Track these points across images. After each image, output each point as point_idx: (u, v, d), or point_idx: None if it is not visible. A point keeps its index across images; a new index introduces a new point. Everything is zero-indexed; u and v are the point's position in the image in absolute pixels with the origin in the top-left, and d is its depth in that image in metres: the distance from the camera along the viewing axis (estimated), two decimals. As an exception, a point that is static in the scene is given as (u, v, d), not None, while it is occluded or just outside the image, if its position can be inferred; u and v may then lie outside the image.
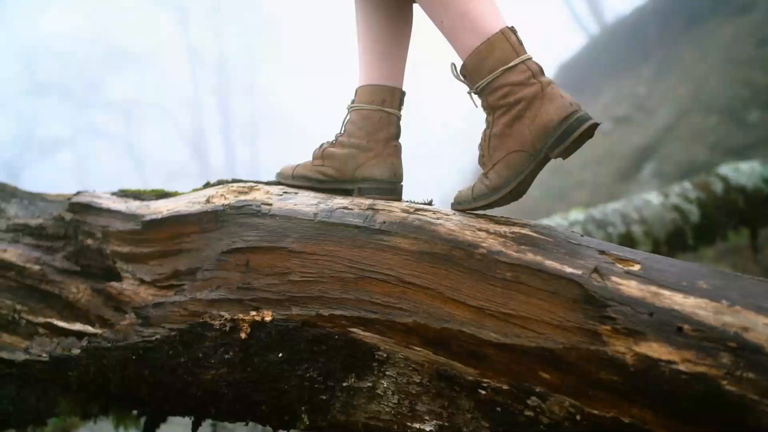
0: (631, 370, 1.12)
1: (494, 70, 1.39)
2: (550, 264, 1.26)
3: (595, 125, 1.36)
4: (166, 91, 26.36)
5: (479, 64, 1.40)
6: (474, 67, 1.41)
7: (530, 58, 1.40)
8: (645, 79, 11.32)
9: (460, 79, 1.47)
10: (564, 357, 1.18)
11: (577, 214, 3.60)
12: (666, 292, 1.16)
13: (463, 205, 1.49)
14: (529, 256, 1.28)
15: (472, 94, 1.47)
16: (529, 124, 1.36)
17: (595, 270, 1.23)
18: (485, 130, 1.45)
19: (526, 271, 1.26)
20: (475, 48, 1.39)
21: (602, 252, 1.28)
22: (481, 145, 1.47)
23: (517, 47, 1.39)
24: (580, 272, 1.23)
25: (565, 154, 1.38)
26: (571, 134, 1.33)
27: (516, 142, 1.38)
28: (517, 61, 1.38)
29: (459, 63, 1.47)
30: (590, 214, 3.58)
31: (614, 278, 1.21)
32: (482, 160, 1.47)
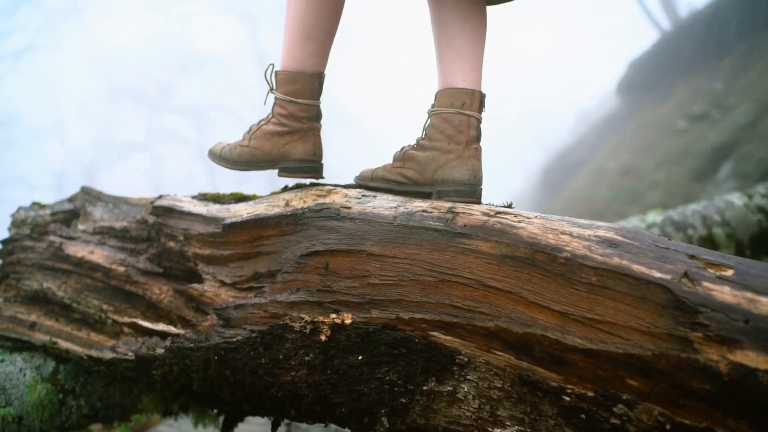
0: (725, 380, 1.08)
1: (291, 95, 1.80)
2: (638, 268, 1.22)
3: (319, 177, 1.83)
4: (235, 95, 26.89)
5: (285, 82, 1.80)
6: (281, 80, 1.80)
7: (318, 105, 1.84)
8: (723, 74, 10.93)
9: (266, 77, 1.84)
10: (653, 364, 1.15)
11: (654, 216, 3.48)
12: (763, 299, 1.11)
13: (211, 156, 1.94)
14: (615, 261, 1.25)
15: (270, 93, 1.84)
16: (282, 144, 1.81)
17: (685, 275, 1.19)
18: (262, 120, 1.86)
19: (612, 276, 1.23)
20: (289, 70, 1.80)
21: (692, 256, 1.24)
22: (252, 125, 1.88)
23: (315, 92, 1.82)
24: (669, 277, 1.19)
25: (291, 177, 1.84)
26: (297, 172, 1.81)
27: (266, 146, 1.82)
28: (306, 102, 1.81)
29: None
30: (668, 216, 3.46)
31: (706, 283, 1.17)
32: (245, 134, 1.88)
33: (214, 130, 27.74)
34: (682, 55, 12.89)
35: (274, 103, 1.83)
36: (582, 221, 1.40)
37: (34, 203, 2.56)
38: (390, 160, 1.75)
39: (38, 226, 2.40)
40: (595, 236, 1.32)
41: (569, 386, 1.25)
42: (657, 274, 1.20)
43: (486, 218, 1.43)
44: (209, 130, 27.88)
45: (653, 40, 15.72)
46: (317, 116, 1.85)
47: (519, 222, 1.39)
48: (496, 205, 1.55)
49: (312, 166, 1.82)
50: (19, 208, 2.54)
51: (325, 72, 1.85)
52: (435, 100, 1.68)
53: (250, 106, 26.84)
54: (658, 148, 10.20)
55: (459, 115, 1.62)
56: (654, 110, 12.34)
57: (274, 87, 1.82)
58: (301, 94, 1.80)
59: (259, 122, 1.87)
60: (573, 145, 16.64)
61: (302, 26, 1.77)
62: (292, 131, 1.81)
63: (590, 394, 1.22)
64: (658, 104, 12.40)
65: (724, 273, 1.19)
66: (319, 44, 1.79)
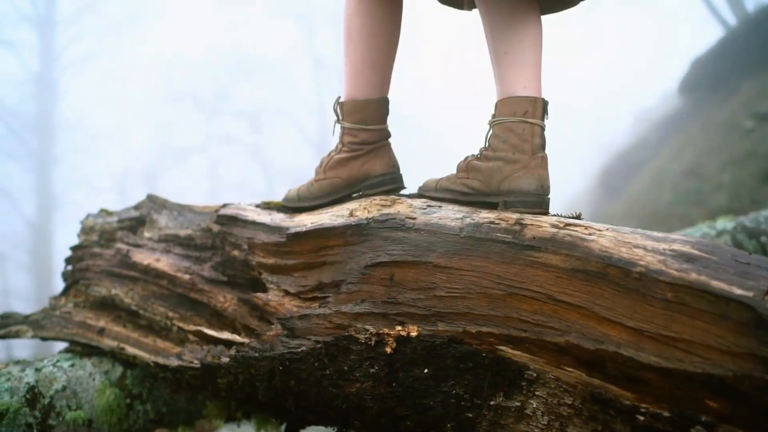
0: (814, 404, 1.03)
1: (359, 123, 1.85)
2: (717, 284, 1.17)
3: (401, 187, 1.87)
4: (291, 98, 27.11)
5: (353, 111, 1.85)
6: (349, 110, 1.86)
7: (386, 128, 1.89)
8: (793, 72, 10.53)
9: (334, 109, 1.89)
10: (734, 385, 1.10)
11: (725, 223, 3.34)
12: None
13: (291, 202, 1.97)
14: (693, 276, 1.20)
15: (337, 123, 1.90)
16: (359, 166, 1.86)
17: (768, 292, 1.13)
18: (332, 151, 1.92)
19: (690, 292, 1.18)
20: (355, 99, 1.85)
21: (775, 272, 1.18)
22: (323, 158, 1.93)
23: (383, 116, 1.88)
24: (751, 294, 1.13)
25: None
26: (380, 186, 1.84)
27: (344, 173, 1.87)
28: (375, 127, 1.86)
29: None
30: (740, 222, 3.31)
31: (792, 301, 1.11)
32: (317, 169, 1.94)
33: (270, 133, 28.07)
34: (749, 52, 12.46)
35: (343, 133, 1.89)
36: (656, 234, 1.35)
37: (101, 210, 2.62)
38: (452, 166, 1.74)
39: (106, 233, 2.46)
40: (671, 250, 1.27)
41: (643, 405, 1.21)
42: (738, 291, 1.15)
43: (555, 230, 1.39)
44: (265, 133, 28.22)
45: (718, 37, 15.26)
46: (387, 135, 1.91)
47: (590, 234, 1.35)
48: (565, 216, 1.51)
49: (394, 176, 1.87)
50: (88, 215, 2.61)
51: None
52: (495, 109, 1.64)
53: (305, 109, 27.11)
54: (723, 148, 9.89)
55: (522, 123, 1.58)
56: (719, 109, 11.97)
57: (341, 118, 1.87)
58: (370, 121, 1.86)
59: (330, 154, 1.92)
60: (633, 145, 16.28)
61: (364, 57, 1.82)
62: (367, 152, 1.86)
63: (666, 414, 1.18)
64: (723, 103, 12.02)
65: (811, 290, 1.13)
66: (382, 72, 1.85)
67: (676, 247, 1.28)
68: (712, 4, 16.42)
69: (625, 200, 12.54)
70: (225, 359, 1.78)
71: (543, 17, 1.70)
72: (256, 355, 1.70)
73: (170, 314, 2.07)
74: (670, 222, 8.44)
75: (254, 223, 1.93)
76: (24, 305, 18.94)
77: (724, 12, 16.07)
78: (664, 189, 10.71)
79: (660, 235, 1.34)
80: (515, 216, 1.48)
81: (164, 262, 2.15)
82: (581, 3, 1.72)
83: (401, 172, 1.90)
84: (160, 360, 1.96)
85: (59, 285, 2.60)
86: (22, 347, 14.21)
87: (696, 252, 1.25)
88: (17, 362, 2.14)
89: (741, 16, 15.28)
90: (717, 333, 1.14)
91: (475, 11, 1.78)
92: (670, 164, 11.69)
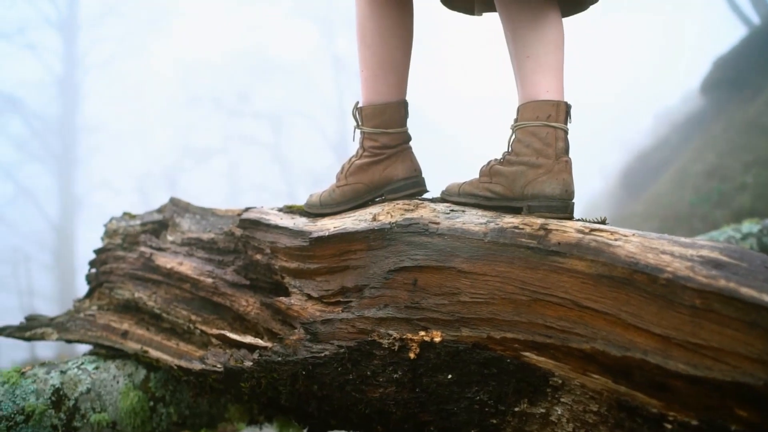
0: None
1: (380, 127, 1.85)
2: (746, 291, 1.15)
3: (424, 191, 1.87)
4: (312, 100, 27.14)
5: (373, 116, 1.85)
6: (368, 115, 1.85)
7: (406, 131, 1.89)
8: (816, 71, 10.36)
9: (353, 114, 1.88)
10: (765, 394, 1.08)
11: (750, 226, 3.29)
12: None
13: (313, 208, 1.95)
14: (721, 283, 1.18)
15: (356, 129, 1.90)
16: (381, 170, 1.86)
17: (799, 299, 1.12)
18: (353, 156, 1.91)
19: (718, 299, 1.17)
20: (374, 103, 1.84)
21: (806, 279, 1.16)
22: (343, 164, 1.93)
23: (402, 119, 1.87)
24: (781, 301, 1.12)
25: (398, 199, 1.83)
26: (403, 190, 1.84)
27: (366, 178, 1.87)
28: (395, 131, 1.86)
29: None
30: (766, 225, 3.26)
31: (823, 309, 1.09)
32: (338, 175, 1.93)
33: (290, 135, 28.14)
34: (772, 52, 12.31)
35: (363, 138, 1.88)
36: (683, 239, 1.33)
37: (125, 213, 2.64)
38: (475, 170, 1.73)
39: (129, 237, 2.48)
40: (699, 256, 1.25)
41: (671, 413, 1.19)
42: (768, 298, 1.13)
43: (581, 236, 1.38)
44: (285, 135, 28.30)
45: (741, 36, 15.07)
46: (408, 139, 1.90)
47: (616, 240, 1.34)
48: (590, 221, 1.50)
49: (416, 180, 1.86)
50: (111, 218, 2.63)
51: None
52: (518, 113, 1.63)
53: (325, 111, 27.14)
54: (746, 148, 9.76)
55: (545, 127, 1.57)
56: (742, 109, 11.82)
57: (361, 123, 1.87)
58: (390, 124, 1.86)
59: (350, 159, 1.92)
60: (654, 145, 16.12)
61: (380, 60, 1.82)
62: (388, 156, 1.86)
63: (694, 422, 1.17)
64: (746, 103, 11.87)
65: (843, 298, 1.11)
66: (398, 74, 1.85)
67: (704, 253, 1.26)
68: (734, 2, 16.22)
69: (647, 201, 12.42)
70: (248, 363, 1.78)
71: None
72: (279, 359, 1.70)
73: (193, 318, 2.08)
74: (692, 223, 8.36)
75: (277, 227, 1.93)
76: (47, 305, 19.18)
77: (747, 10, 15.86)
78: (686, 190, 10.59)
79: (687, 240, 1.32)
80: (539, 221, 1.47)
81: (187, 266, 2.16)
82: (597, 2, 1.70)
83: (423, 175, 1.90)
84: (183, 363, 1.97)
85: (82, 285, 2.62)
86: (45, 348, 14.36)
87: (725, 258, 1.24)
88: (42, 364, 2.16)
89: (764, 14, 15.07)
90: (746, 341, 1.12)
91: (484, 16, 1.78)
92: (692, 165, 11.57)
